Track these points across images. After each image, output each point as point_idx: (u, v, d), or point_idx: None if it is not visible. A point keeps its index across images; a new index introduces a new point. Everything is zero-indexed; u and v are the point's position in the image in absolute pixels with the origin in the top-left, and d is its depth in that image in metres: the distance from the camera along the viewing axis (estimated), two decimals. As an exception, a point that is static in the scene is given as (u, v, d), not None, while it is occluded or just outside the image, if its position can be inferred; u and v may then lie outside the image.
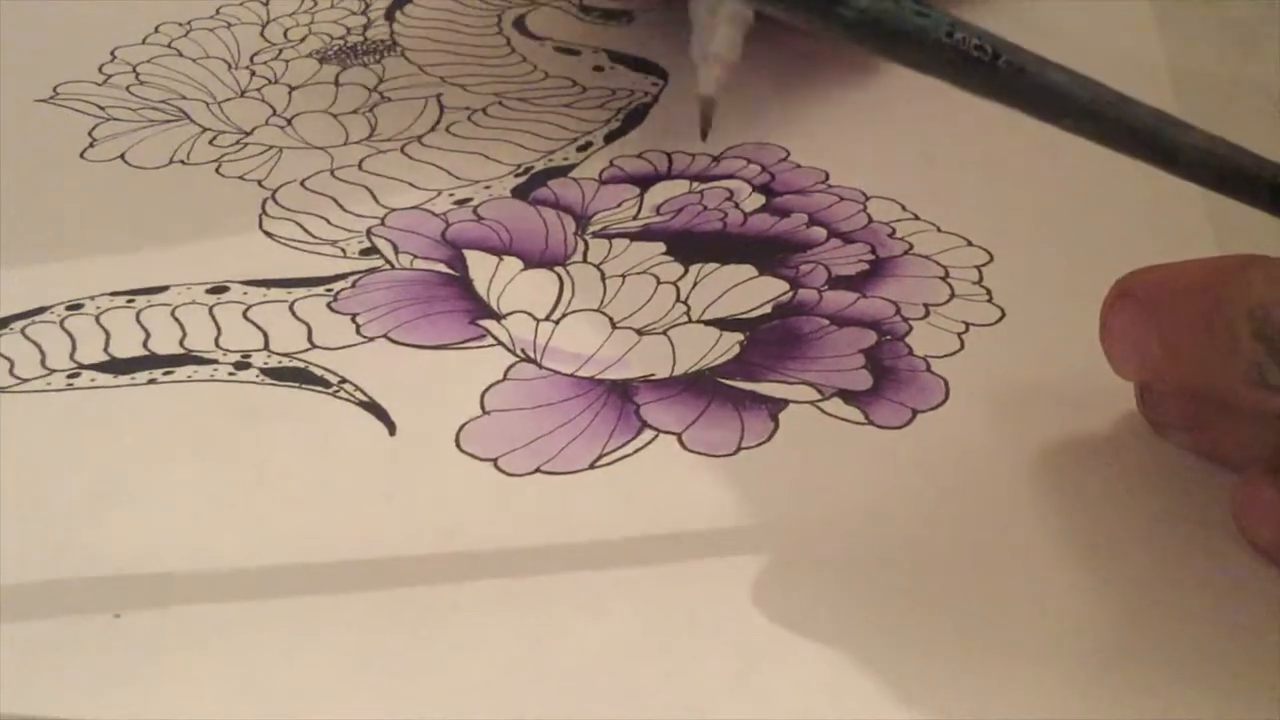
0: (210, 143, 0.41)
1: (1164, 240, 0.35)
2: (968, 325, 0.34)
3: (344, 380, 0.32)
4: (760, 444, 0.30)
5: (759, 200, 0.39)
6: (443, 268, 0.36)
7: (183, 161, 0.40)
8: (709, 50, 0.36)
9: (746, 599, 0.26)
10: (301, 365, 0.33)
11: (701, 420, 0.31)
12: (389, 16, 0.49)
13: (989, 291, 0.35)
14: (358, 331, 0.34)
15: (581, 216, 0.38)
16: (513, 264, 0.36)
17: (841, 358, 0.33)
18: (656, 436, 0.30)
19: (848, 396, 0.31)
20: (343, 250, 0.37)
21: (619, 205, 0.38)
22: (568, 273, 0.36)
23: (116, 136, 0.42)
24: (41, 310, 0.34)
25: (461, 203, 0.39)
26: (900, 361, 0.33)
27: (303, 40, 0.47)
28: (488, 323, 0.34)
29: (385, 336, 0.34)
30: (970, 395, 0.32)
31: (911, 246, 0.37)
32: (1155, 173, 0.26)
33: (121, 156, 0.41)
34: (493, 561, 0.27)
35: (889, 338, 0.33)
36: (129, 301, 0.34)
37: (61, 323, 0.34)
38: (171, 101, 0.44)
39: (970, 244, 0.37)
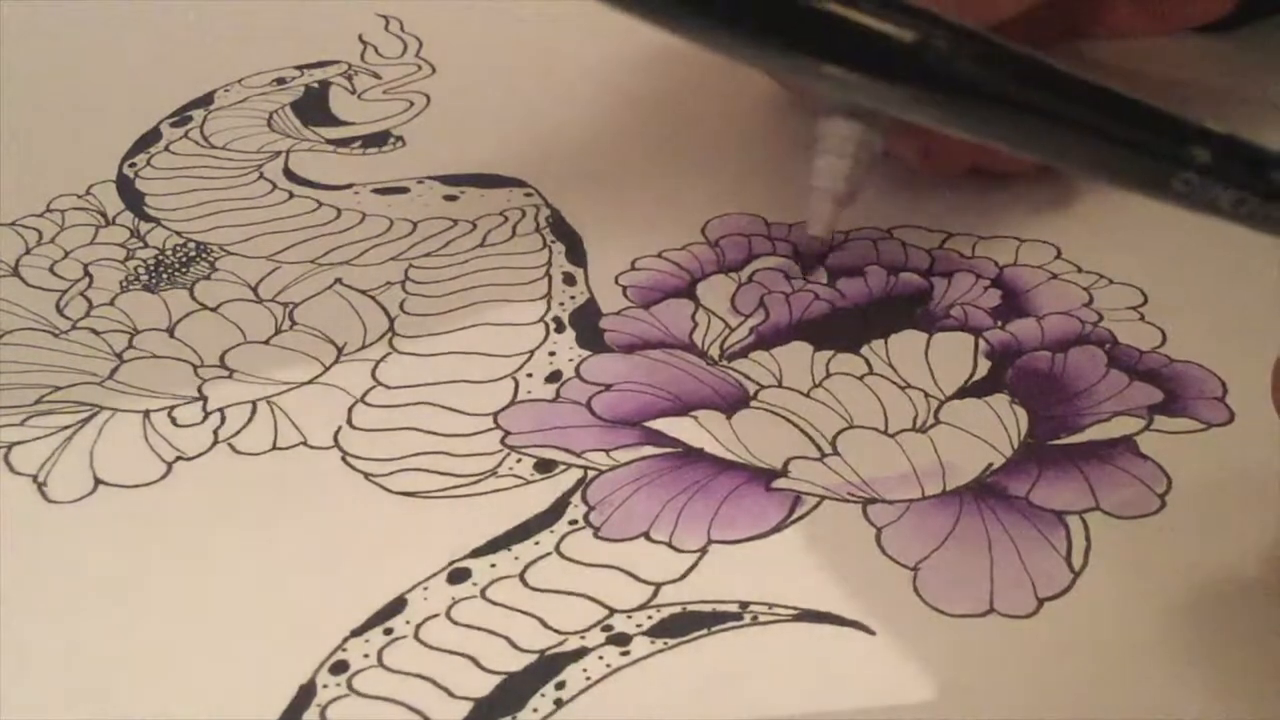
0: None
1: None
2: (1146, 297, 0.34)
3: (746, 604, 0.26)
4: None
5: (820, 271, 0.36)
6: (650, 449, 0.30)
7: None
8: (825, 186, 0.33)
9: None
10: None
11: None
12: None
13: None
14: (674, 550, 0.27)
15: (692, 346, 0.33)
16: (714, 417, 0.31)
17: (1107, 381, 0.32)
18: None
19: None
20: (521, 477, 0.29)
21: (699, 324, 0.34)
22: (777, 405, 0.31)
23: None
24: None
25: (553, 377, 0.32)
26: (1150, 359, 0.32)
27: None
28: (782, 482, 0.29)
29: (711, 543, 0.28)
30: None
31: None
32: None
33: None
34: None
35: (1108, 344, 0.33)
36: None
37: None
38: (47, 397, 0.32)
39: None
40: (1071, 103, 0.17)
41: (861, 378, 0.32)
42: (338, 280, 0.36)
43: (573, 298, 0.35)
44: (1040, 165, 0.37)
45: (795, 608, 0.26)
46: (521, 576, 0.27)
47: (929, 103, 0.17)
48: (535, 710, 0.24)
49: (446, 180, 0.40)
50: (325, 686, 0.25)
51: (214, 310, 0.35)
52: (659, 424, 0.30)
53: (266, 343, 0.34)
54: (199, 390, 0.32)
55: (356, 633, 0.26)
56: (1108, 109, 0.18)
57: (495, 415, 0.31)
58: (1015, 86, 0.17)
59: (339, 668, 0.25)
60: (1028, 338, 0.33)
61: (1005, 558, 0.27)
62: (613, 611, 0.26)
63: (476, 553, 0.28)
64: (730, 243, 0.36)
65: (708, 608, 0.26)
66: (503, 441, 0.30)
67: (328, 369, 0.33)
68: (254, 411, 0.31)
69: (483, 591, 0.27)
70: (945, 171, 0.38)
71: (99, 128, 0.43)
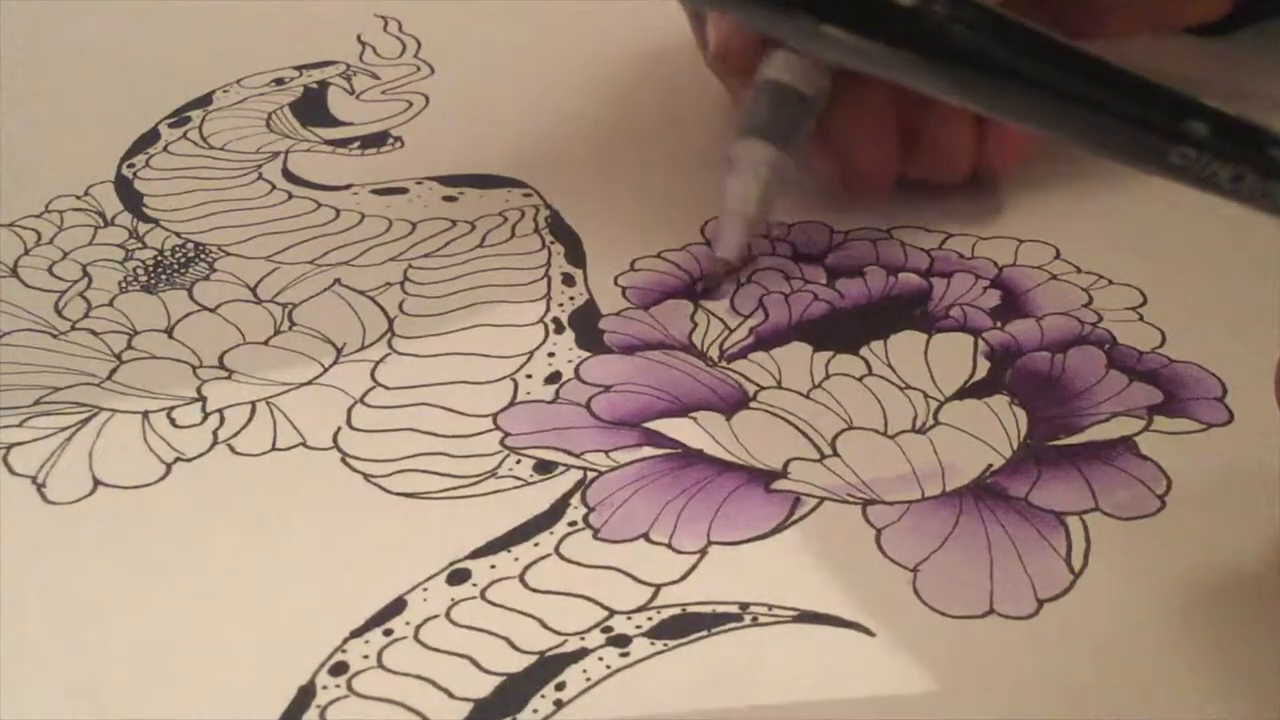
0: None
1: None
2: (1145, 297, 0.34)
3: (747, 605, 0.26)
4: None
5: (819, 271, 0.36)
6: (649, 450, 0.30)
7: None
8: (735, 208, 0.33)
9: None
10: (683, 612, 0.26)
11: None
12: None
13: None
14: (674, 551, 0.27)
15: (691, 347, 0.33)
16: (713, 418, 0.31)
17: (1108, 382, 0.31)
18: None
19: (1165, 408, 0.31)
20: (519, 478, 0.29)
21: (699, 325, 0.34)
22: (776, 406, 0.31)
23: None
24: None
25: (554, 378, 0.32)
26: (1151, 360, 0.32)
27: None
28: (782, 483, 0.29)
29: (711, 544, 0.27)
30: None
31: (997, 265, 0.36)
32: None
33: None
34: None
35: (1108, 344, 0.33)
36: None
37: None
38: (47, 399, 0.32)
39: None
40: (1070, 73, 0.17)
41: (861, 378, 0.32)
42: (337, 281, 0.36)
43: (572, 299, 0.35)
44: (970, 174, 0.37)
45: (795, 609, 0.26)
46: (521, 578, 0.27)
47: (925, 68, 0.17)
48: (535, 711, 0.24)
49: (445, 181, 0.40)
50: (325, 688, 0.25)
51: (213, 311, 0.35)
52: (658, 425, 0.30)
53: (265, 343, 0.34)
54: (198, 391, 0.32)
55: (356, 634, 0.26)
56: (1107, 81, 0.17)
57: (494, 416, 0.31)
58: (1013, 55, 0.17)
59: (339, 669, 0.25)
60: (1027, 338, 0.33)
61: (1005, 559, 0.27)
62: (612, 613, 0.26)
63: (476, 554, 0.27)
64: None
65: (707, 609, 0.26)
66: (502, 443, 0.30)
67: (327, 370, 0.33)
68: (253, 412, 0.31)
69: (482, 592, 0.27)
70: (867, 189, 0.37)
71: (97, 128, 0.43)
